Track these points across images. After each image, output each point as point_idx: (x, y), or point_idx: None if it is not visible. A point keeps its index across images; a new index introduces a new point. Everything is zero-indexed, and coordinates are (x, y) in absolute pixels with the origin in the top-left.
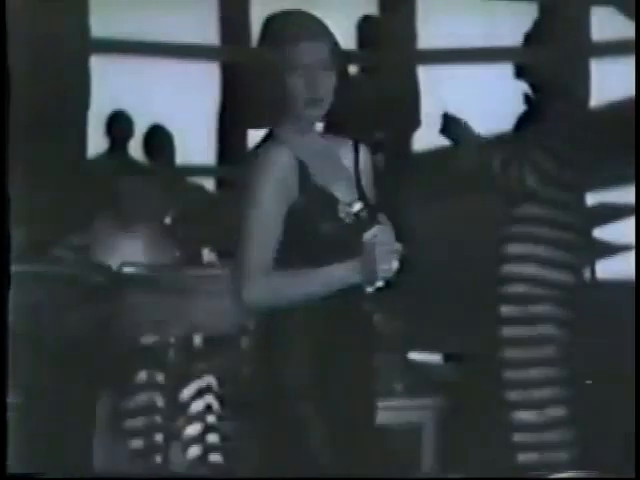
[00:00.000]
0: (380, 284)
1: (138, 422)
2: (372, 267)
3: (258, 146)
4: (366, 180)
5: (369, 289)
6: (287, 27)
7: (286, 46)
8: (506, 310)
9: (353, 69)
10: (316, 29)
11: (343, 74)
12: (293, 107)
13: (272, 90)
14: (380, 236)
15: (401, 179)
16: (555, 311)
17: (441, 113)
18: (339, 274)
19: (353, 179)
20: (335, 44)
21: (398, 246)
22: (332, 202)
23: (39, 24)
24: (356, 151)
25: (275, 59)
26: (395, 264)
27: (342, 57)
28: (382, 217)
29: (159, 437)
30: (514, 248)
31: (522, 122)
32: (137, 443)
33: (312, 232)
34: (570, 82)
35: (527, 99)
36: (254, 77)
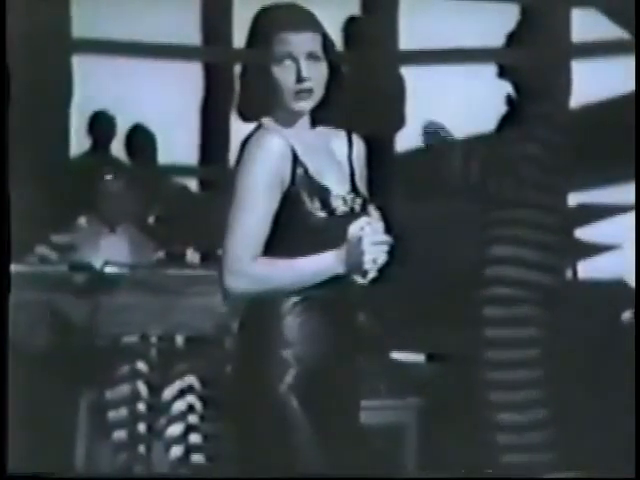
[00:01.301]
0: (372, 276)
1: (121, 413)
2: (358, 259)
3: (249, 136)
4: (360, 172)
5: (361, 281)
6: (274, 18)
7: (273, 37)
8: (490, 311)
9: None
10: (304, 20)
11: (334, 66)
12: (281, 99)
13: (258, 81)
14: (367, 227)
15: (385, 179)
16: (538, 313)
17: (422, 124)
18: (324, 263)
19: (346, 171)
20: (325, 36)
21: (387, 238)
22: (324, 193)
23: (21, 24)
24: (350, 143)
25: (262, 50)
26: (383, 256)
27: (332, 49)
28: (372, 209)
29: (142, 427)
30: (498, 250)
31: (504, 123)
32: (120, 435)
33: (303, 223)
34: (551, 83)
35: (509, 100)
36: (240, 71)
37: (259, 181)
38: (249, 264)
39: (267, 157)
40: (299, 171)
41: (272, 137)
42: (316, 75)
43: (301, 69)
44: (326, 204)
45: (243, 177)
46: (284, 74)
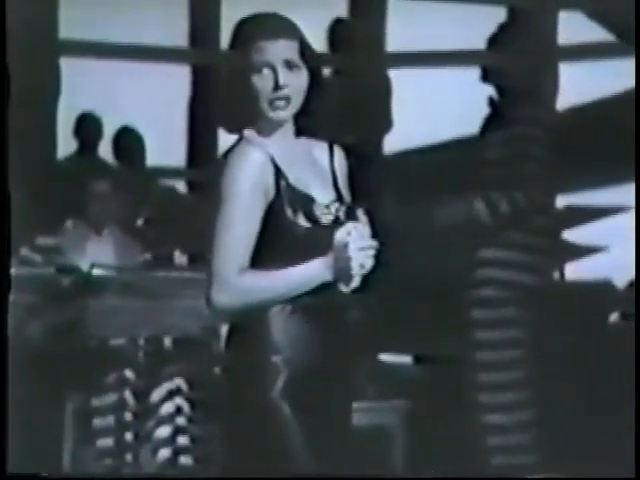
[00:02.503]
0: (356, 284)
1: (108, 421)
2: (345, 265)
3: (231, 149)
4: (342, 181)
5: (344, 289)
6: (252, 27)
7: (250, 46)
8: (477, 313)
9: (324, 72)
10: (280, 28)
11: (315, 73)
12: (260, 108)
13: (239, 91)
14: (354, 233)
15: (372, 182)
16: (525, 314)
17: None
18: (311, 271)
19: (330, 180)
20: (304, 43)
21: (374, 243)
22: (308, 203)
23: (8, 25)
24: (331, 152)
25: (240, 60)
26: (370, 261)
27: (312, 56)
28: (361, 213)
29: (129, 436)
30: (485, 252)
31: (487, 125)
32: (106, 442)
33: (288, 234)
34: (536, 86)
35: (492, 102)
36: (222, 79)
37: (242, 195)
38: (236, 278)
39: (248, 170)
40: (282, 182)
41: (252, 150)
42: (294, 83)
43: (278, 77)
44: (310, 214)
45: (225, 191)
46: (262, 83)
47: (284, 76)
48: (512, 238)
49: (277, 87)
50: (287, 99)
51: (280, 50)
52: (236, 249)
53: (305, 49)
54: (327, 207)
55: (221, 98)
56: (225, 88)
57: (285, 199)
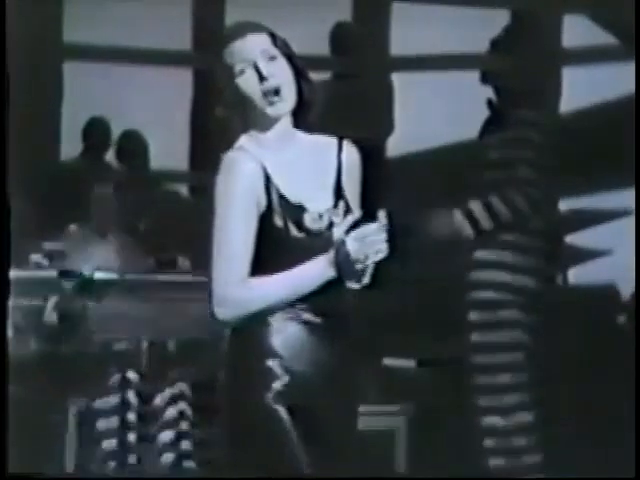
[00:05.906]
0: (367, 280)
1: (110, 423)
2: (346, 259)
3: (224, 156)
4: (351, 180)
5: (355, 286)
6: (222, 37)
7: (224, 52)
8: (475, 316)
9: (326, 75)
10: (246, 26)
11: (294, 62)
12: (255, 108)
13: (231, 105)
14: (354, 228)
15: (373, 184)
16: (523, 316)
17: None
18: (314, 271)
19: (332, 181)
20: (273, 35)
21: (375, 237)
22: (300, 212)
23: (12, 30)
24: (340, 149)
25: (222, 71)
26: (372, 255)
27: (285, 44)
28: (380, 213)
29: (132, 437)
30: (482, 254)
31: (486, 127)
32: (109, 445)
33: (282, 244)
34: (537, 89)
35: (491, 105)
36: (218, 114)
37: (233, 207)
38: (237, 290)
39: (238, 183)
40: (273, 192)
41: (242, 160)
42: (278, 73)
43: (260, 69)
44: (300, 224)
45: (218, 203)
46: (248, 81)
47: (265, 67)
48: (512, 240)
49: (262, 78)
50: (277, 90)
51: (251, 44)
52: (234, 261)
53: (276, 39)
54: (320, 216)
55: (225, 133)
56: (224, 116)
57: (275, 209)
